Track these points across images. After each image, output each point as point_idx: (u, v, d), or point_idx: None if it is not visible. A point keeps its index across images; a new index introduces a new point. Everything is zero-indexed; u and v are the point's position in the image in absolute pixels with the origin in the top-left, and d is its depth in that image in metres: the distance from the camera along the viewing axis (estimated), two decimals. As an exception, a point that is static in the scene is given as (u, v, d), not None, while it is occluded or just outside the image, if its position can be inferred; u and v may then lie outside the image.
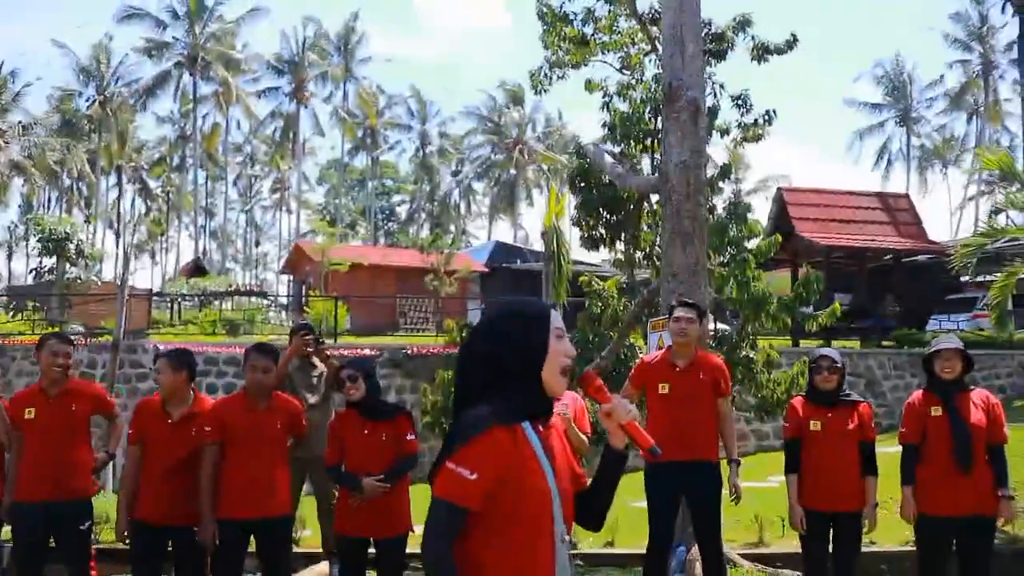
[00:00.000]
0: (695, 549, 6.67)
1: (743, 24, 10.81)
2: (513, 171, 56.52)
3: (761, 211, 22.74)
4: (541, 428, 2.16)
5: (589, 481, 2.32)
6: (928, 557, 5.20)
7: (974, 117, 49.51)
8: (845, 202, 22.35)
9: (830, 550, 5.36)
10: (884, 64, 50.81)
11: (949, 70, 48.24)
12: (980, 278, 17.70)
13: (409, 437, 4.99)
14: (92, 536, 5.47)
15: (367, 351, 14.69)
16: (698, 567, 6.48)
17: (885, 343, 18.95)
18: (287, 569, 5.24)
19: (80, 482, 5.22)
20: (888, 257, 22.16)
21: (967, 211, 50.27)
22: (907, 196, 24.84)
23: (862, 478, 5.27)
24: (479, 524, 2.08)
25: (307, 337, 6.41)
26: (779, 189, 23.27)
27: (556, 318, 2.20)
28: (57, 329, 17.91)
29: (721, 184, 10.17)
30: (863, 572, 8.91)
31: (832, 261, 21.87)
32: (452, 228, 62.37)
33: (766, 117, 10.68)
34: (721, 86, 10.64)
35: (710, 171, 10.08)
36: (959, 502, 4.99)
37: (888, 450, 5.97)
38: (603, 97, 10.14)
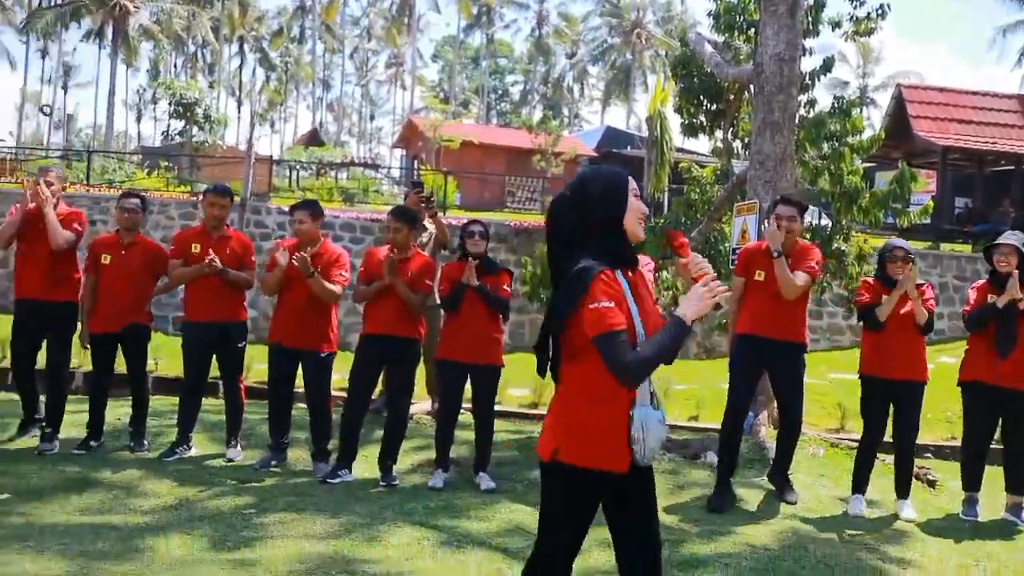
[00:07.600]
0: (763, 415, 7.26)
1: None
2: (630, 56, 55.53)
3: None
4: (630, 274, 2.61)
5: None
6: (972, 423, 5.80)
7: None
8: (968, 102, 21.42)
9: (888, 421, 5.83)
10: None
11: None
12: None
13: (505, 287, 5.90)
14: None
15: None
16: (763, 431, 7.08)
17: (998, 248, 18.40)
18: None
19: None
20: (1009, 161, 21.40)
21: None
22: (1038, 97, 23.61)
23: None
24: (583, 350, 2.52)
25: (421, 193, 7.09)
26: (898, 85, 22.47)
27: (632, 182, 2.66)
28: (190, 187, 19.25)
29: (822, 77, 10.12)
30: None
31: (950, 162, 21.23)
32: (565, 111, 62.04)
33: (879, 11, 10.50)
34: (834, -23, 10.48)
35: (814, 63, 10.11)
36: (1002, 373, 5.54)
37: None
38: (710, -15, 10.17)
